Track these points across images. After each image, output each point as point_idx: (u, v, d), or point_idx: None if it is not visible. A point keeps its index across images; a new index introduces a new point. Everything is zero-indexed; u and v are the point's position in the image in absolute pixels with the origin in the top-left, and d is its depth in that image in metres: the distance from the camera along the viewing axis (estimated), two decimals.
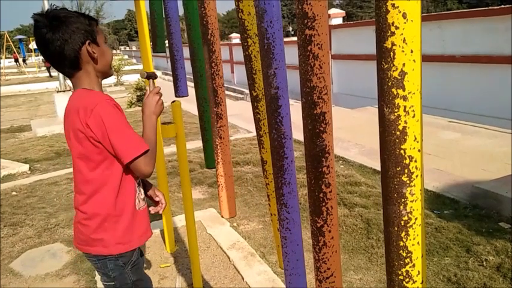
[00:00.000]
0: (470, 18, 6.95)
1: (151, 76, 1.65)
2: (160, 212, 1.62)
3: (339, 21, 10.48)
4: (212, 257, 2.89)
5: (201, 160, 5.00)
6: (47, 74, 23.01)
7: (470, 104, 6.74)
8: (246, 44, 1.05)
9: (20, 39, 35.94)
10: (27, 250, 3.25)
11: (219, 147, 1.75)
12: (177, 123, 2.14)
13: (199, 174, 4.73)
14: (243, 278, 2.58)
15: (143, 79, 1.78)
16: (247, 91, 12.15)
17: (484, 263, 2.58)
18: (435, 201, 3.56)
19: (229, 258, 2.84)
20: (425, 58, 7.30)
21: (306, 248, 1.29)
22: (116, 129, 1.33)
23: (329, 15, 10.32)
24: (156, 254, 2.98)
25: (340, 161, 4.85)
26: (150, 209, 1.61)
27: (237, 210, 3.72)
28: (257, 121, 1.06)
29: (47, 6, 8.79)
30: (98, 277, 2.74)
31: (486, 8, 7.12)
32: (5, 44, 28.74)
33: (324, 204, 0.88)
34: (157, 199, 1.62)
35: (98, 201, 1.41)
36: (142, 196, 1.53)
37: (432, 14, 7.92)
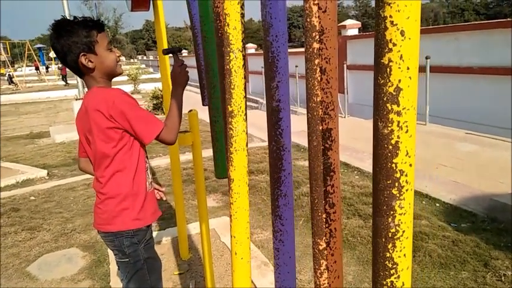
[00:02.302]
0: (488, 30, 6.88)
1: (170, 51, 1.74)
2: (164, 198, 1.85)
3: (354, 32, 10.48)
4: (226, 265, 2.89)
5: None
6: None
7: (488, 115, 6.64)
8: (228, 58, 1.04)
9: (39, 48, 36.85)
10: (44, 254, 3.30)
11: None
12: (194, 132, 2.16)
13: (214, 182, 4.76)
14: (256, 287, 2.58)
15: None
16: (261, 100, 12.20)
17: (503, 278, 2.52)
18: (452, 213, 3.50)
19: None
20: (443, 70, 7.24)
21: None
22: (135, 117, 1.51)
23: (345, 26, 10.34)
24: (170, 261, 3.00)
25: (355, 172, 4.82)
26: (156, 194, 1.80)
27: (251, 219, 3.73)
28: (230, 137, 1.04)
29: (66, 9, 9.02)
30: (112, 282, 2.77)
31: (504, 20, 7.04)
32: (26, 52, 29.53)
33: (327, 225, 0.85)
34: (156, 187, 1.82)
35: (118, 182, 1.58)
36: (150, 180, 1.70)
37: (449, 25, 7.85)
